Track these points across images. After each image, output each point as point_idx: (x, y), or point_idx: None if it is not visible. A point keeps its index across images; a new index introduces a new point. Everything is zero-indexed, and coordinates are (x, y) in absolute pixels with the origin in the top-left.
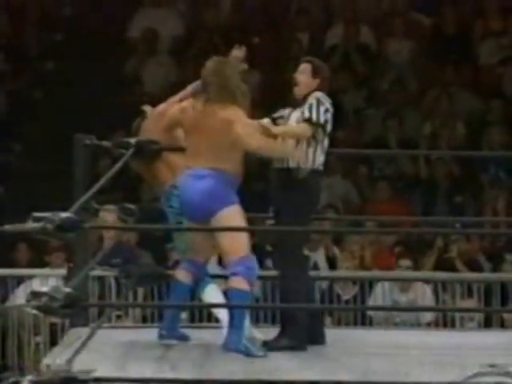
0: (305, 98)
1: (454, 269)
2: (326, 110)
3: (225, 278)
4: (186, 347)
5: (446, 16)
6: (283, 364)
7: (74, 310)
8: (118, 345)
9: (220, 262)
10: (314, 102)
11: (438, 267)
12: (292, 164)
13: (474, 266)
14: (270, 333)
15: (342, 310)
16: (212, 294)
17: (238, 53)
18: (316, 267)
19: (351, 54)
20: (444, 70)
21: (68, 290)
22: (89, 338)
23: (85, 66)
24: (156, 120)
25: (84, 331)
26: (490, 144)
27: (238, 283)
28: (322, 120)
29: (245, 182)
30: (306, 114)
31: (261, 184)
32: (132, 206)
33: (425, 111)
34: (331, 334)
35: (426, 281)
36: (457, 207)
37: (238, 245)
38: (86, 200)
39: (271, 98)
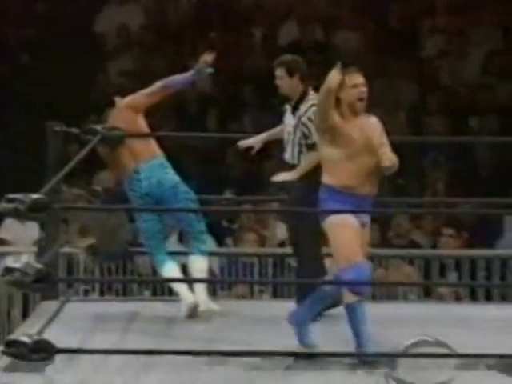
0: (299, 100)
1: (395, 246)
2: None
3: (183, 254)
4: (149, 319)
5: (392, 12)
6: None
7: (45, 284)
8: (85, 317)
9: (180, 239)
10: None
11: (380, 244)
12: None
13: (414, 243)
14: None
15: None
16: (171, 270)
17: (207, 57)
18: None
19: (305, 48)
20: (388, 63)
21: (39, 265)
22: (58, 310)
23: (57, 59)
24: (123, 110)
25: (54, 304)
26: (429, 131)
27: (347, 298)
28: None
29: (203, 165)
30: (314, 138)
31: (217, 168)
32: (98, 188)
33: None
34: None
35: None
36: (400, 189)
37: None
38: (56, 182)
39: (225, 90)
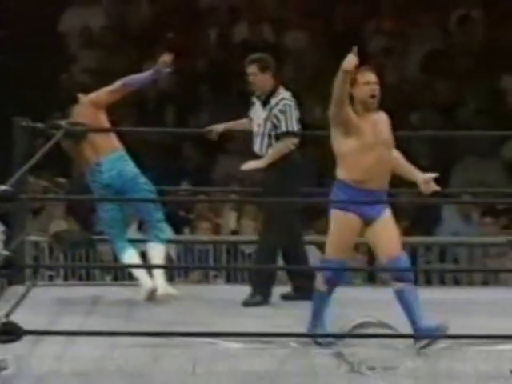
0: (270, 94)
1: None
2: (292, 109)
3: (143, 241)
4: (111, 302)
5: (337, 13)
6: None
7: (12, 270)
8: (50, 301)
9: (140, 227)
10: (285, 109)
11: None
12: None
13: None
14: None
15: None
16: (131, 256)
17: (166, 58)
18: None
19: (256, 47)
20: (334, 62)
21: (6, 253)
22: (25, 295)
23: (22, 59)
24: (86, 106)
25: (21, 289)
26: None
27: (319, 285)
28: (294, 128)
29: (161, 158)
30: (283, 128)
31: (174, 161)
32: (62, 180)
33: (317, 97)
34: None
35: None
36: None
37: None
38: (22, 174)
39: (182, 87)
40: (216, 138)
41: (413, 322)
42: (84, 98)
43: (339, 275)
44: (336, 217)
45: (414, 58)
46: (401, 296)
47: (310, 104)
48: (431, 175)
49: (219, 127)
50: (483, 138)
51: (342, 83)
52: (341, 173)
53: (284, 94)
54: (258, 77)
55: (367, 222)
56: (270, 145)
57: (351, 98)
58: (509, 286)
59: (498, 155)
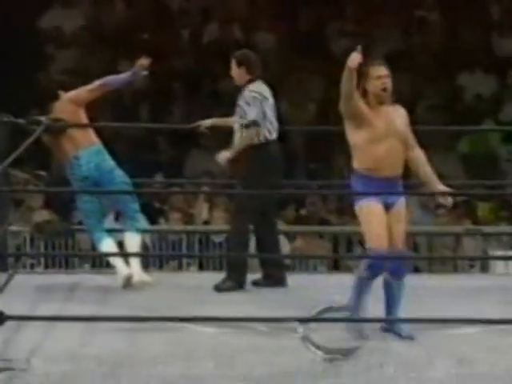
0: (244, 88)
1: (308, 223)
2: (258, 101)
3: (119, 231)
4: (89, 289)
5: (303, 16)
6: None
7: None
8: (31, 288)
9: (117, 217)
10: (250, 100)
11: (295, 222)
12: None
13: (325, 221)
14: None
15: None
16: (108, 245)
17: (143, 61)
18: None
19: (227, 46)
20: (300, 61)
21: None
22: (7, 282)
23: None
24: (66, 103)
25: (3, 276)
26: (336, 121)
27: (360, 272)
28: (253, 116)
29: (135, 152)
30: (247, 118)
31: (148, 154)
32: (42, 173)
33: (283, 94)
34: None
35: (286, 233)
36: (312, 172)
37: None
38: (4, 168)
39: (157, 86)
40: (205, 132)
41: (388, 313)
42: (64, 96)
43: (379, 264)
44: (361, 209)
45: (377, 58)
46: (387, 288)
47: (276, 100)
48: (447, 189)
49: (207, 122)
50: (441, 132)
51: (348, 79)
52: (355, 162)
53: (254, 87)
54: (234, 71)
55: (386, 208)
56: (238, 134)
57: (365, 92)
58: (466, 273)
59: (455, 149)
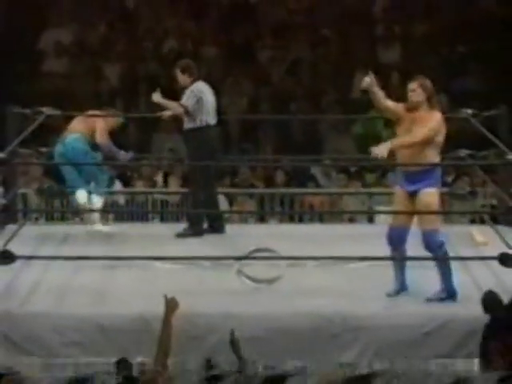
0: (186, 87)
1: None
2: (194, 95)
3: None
4: (79, 237)
5: (238, 32)
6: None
7: (8, 214)
8: (35, 236)
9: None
10: (189, 95)
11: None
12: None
13: (253, 185)
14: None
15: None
16: (83, 196)
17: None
18: None
19: (182, 56)
20: (236, 67)
21: (4, 201)
22: (17, 231)
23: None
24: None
25: (14, 227)
26: (262, 112)
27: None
28: (188, 104)
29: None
30: (183, 100)
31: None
32: (43, 150)
33: (223, 93)
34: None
35: (225, 194)
36: (244, 150)
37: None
38: (14, 146)
39: (127, 86)
40: (166, 119)
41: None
42: (92, 122)
43: (399, 239)
44: (434, 195)
45: (290, 63)
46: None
47: (217, 95)
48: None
49: (167, 113)
50: (339, 119)
51: (372, 97)
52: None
53: (194, 87)
54: (179, 77)
55: (410, 195)
56: (188, 122)
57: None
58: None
59: (350, 132)
